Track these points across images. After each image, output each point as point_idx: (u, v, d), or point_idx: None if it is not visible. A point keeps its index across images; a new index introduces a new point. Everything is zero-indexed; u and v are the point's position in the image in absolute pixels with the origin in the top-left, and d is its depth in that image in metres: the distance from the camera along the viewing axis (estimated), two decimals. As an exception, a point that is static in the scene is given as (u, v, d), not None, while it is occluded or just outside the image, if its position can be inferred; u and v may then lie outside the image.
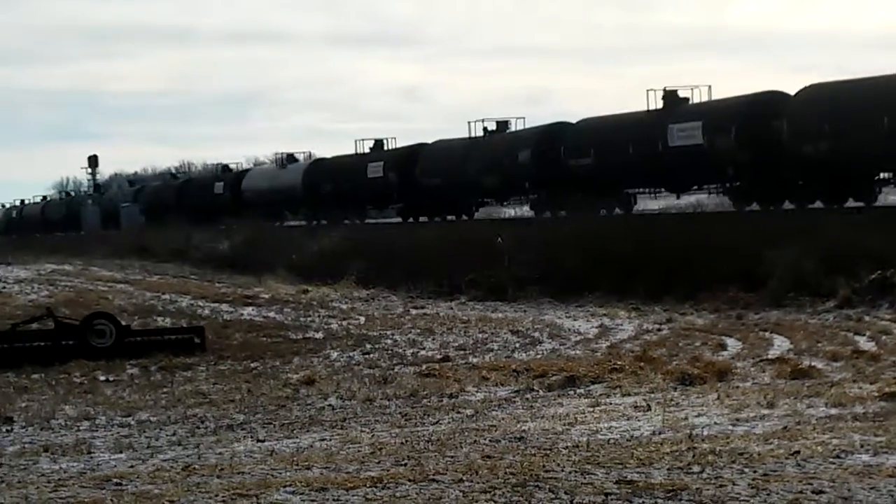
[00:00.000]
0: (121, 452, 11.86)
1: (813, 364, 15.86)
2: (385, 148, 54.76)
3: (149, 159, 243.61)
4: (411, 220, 50.46)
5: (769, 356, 17.18)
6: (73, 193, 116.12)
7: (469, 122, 46.95)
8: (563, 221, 37.55)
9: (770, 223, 29.65)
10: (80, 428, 13.63)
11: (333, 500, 8.90)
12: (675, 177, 38.26)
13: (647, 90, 38.17)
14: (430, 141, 51.15)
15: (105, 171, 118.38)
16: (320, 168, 58.88)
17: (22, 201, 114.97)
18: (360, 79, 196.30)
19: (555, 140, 41.67)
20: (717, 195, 38.66)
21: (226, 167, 75.10)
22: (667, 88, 37.73)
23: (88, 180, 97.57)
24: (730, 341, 19.39)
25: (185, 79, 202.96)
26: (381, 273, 34.62)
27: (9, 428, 13.69)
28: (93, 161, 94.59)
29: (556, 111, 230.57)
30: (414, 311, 27.27)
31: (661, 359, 17.24)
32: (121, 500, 9.27)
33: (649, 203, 43.73)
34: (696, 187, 39.55)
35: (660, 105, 37.99)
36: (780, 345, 18.65)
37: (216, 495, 9.17)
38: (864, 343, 18.22)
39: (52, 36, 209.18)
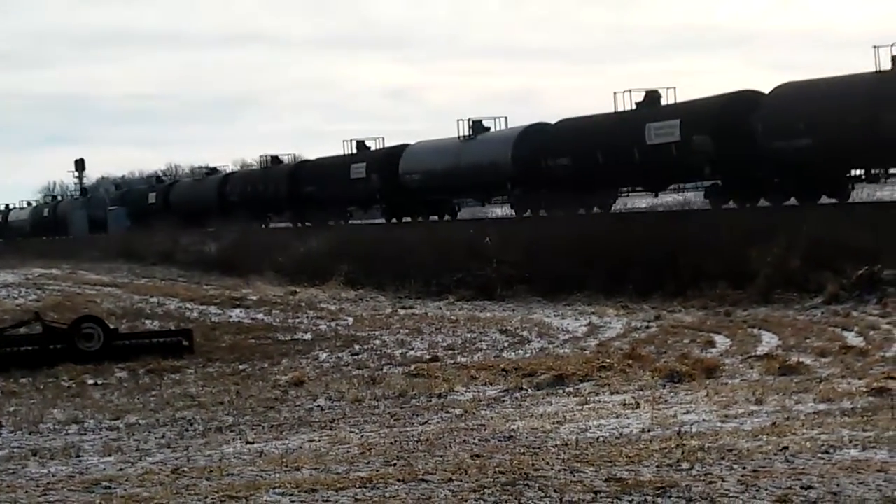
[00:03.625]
0: (109, 456, 11.84)
1: (801, 360, 15.87)
2: (663, 101, 36.81)
3: (135, 163, 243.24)
4: (731, 202, 33.46)
5: (757, 353, 17.19)
6: (62, 196, 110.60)
7: (877, 50, 28.26)
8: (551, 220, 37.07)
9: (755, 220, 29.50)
10: (69, 432, 13.61)
11: (323, 500, 8.89)
12: None
13: None
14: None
15: (91, 174, 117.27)
16: (545, 135, 40.75)
17: (54, 197, 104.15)
18: (349, 81, 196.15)
19: None
20: None
21: (213, 169, 71.11)
22: None
23: (75, 184, 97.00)
24: (718, 338, 19.41)
25: (171, 82, 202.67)
26: (369, 273, 34.58)
27: (-3, 432, 13.67)
28: (79, 165, 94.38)
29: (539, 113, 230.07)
30: (402, 312, 27.24)
31: (650, 356, 17.24)
32: (110, 504, 9.26)
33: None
34: None
35: None
36: (769, 341, 18.67)
37: (205, 498, 9.16)
38: (852, 338, 18.24)
39: (39, 40, 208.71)
